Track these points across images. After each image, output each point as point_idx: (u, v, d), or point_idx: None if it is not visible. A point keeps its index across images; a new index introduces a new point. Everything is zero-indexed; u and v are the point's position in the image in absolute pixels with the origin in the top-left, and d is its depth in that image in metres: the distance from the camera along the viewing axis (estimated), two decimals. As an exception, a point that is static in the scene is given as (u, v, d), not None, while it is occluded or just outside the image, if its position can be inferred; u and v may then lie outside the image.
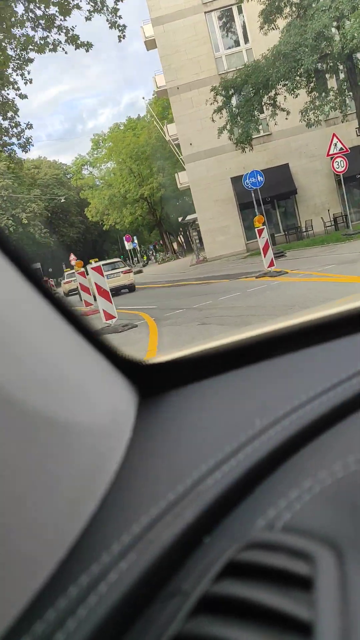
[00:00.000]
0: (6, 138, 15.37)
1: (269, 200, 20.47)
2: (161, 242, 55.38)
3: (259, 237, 10.72)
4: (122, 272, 16.20)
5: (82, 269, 9.45)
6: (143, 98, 77.26)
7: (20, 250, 0.43)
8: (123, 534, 0.37)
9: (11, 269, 0.42)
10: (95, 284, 7.16)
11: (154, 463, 0.47)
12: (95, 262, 8.18)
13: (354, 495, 0.36)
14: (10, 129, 15.16)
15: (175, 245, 51.17)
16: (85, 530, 0.38)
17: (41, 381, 0.38)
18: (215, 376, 0.63)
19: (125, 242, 43.58)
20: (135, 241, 49.01)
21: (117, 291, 15.09)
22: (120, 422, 0.51)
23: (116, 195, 46.38)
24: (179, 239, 53.22)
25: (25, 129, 15.51)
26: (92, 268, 7.46)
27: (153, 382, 0.61)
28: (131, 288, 16.56)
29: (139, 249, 57.39)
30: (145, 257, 56.06)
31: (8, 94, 14.69)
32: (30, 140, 15.83)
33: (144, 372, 0.60)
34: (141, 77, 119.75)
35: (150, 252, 59.42)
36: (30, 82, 14.13)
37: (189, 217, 32.04)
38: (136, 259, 55.07)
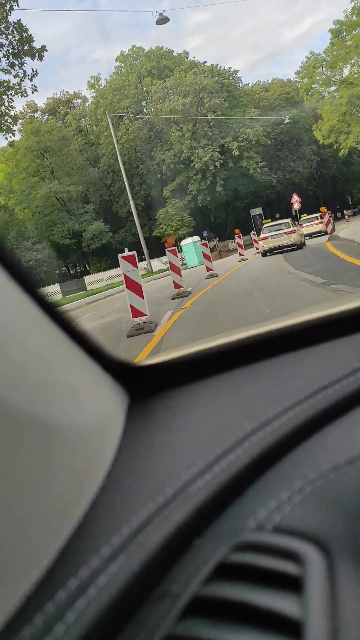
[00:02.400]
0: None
1: None
2: None
3: None
4: (284, 232, 16.67)
5: (174, 247, 9.33)
6: None
7: (9, 251, 0.43)
8: (113, 537, 0.37)
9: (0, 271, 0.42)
10: (124, 274, 5.86)
11: (144, 465, 0.46)
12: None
13: (344, 496, 0.36)
14: None
15: None
16: (75, 533, 0.38)
17: (30, 384, 0.37)
18: (205, 378, 0.64)
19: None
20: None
21: (279, 249, 16.76)
22: (110, 424, 0.51)
23: (361, 100, 30.65)
24: None
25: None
26: (121, 256, 5.94)
27: (143, 385, 0.62)
28: (297, 247, 16.71)
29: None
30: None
31: None
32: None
33: (134, 374, 0.61)
34: None
35: None
36: None
37: None
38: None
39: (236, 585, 0.31)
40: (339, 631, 0.26)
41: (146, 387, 0.62)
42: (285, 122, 44.12)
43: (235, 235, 17.98)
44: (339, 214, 61.70)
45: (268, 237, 16.77)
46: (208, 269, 13.10)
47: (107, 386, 0.55)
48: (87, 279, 32.33)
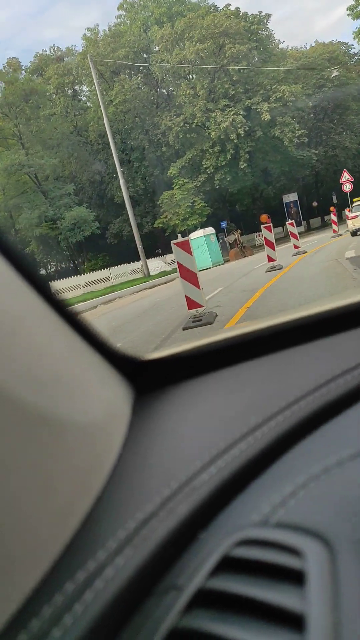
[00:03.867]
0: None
1: None
2: None
3: None
4: None
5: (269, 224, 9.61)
6: None
7: (15, 246, 0.43)
8: (118, 530, 0.37)
9: (7, 266, 0.42)
10: (178, 262, 5.59)
11: (149, 459, 0.47)
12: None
13: (348, 491, 0.36)
14: None
15: None
16: (81, 526, 0.39)
17: (37, 379, 0.38)
18: (210, 373, 0.64)
19: None
20: None
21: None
22: (116, 418, 0.52)
23: None
24: None
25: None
26: (174, 243, 5.60)
27: (148, 379, 0.62)
28: None
29: None
30: None
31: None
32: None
33: (140, 368, 0.61)
34: None
35: None
36: None
37: None
38: None
39: (240, 578, 0.32)
40: (341, 624, 0.26)
41: (152, 381, 0.62)
42: (333, 75, 33.69)
43: (331, 213, 17.64)
44: None
45: (358, 215, 16.28)
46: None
47: (113, 380, 0.56)
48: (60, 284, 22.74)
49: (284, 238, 27.57)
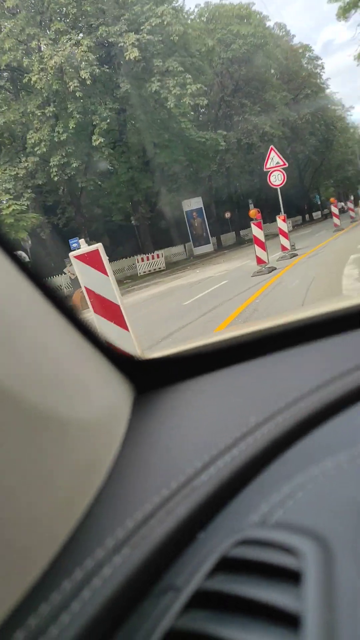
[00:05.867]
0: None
1: None
2: None
3: None
4: None
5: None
6: None
7: (18, 246, 0.44)
8: (117, 529, 0.37)
9: (8, 264, 0.42)
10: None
11: (149, 459, 0.47)
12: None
13: (345, 491, 0.37)
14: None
15: None
16: (80, 525, 0.39)
17: (37, 377, 0.38)
18: (210, 373, 0.65)
19: None
20: None
21: None
22: (116, 417, 0.52)
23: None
24: None
25: None
26: (76, 257, 3.17)
27: (149, 378, 0.63)
28: None
29: None
30: None
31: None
32: None
33: (140, 368, 0.62)
34: None
35: None
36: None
37: None
38: None
39: (238, 579, 0.32)
40: (337, 624, 0.26)
41: (152, 380, 0.63)
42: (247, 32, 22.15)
43: (332, 205, 16.76)
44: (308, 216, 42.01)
45: None
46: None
47: (113, 379, 0.56)
48: None
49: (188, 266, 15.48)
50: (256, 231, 9.53)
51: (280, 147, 29.06)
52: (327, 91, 41.32)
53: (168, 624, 0.31)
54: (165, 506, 0.39)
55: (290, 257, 10.91)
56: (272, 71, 29.16)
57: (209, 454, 0.44)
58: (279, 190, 12.33)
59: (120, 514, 0.39)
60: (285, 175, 12.44)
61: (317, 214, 46.15)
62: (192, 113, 19.95)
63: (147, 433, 0.52)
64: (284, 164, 12.25)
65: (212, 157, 22.79)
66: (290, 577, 0.30)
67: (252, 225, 9.51)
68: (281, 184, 12.44)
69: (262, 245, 9.46)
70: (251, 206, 10.42)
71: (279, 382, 0.57)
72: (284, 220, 11.46)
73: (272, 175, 12.55)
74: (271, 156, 12.44)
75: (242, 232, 28.65)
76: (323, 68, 39.70)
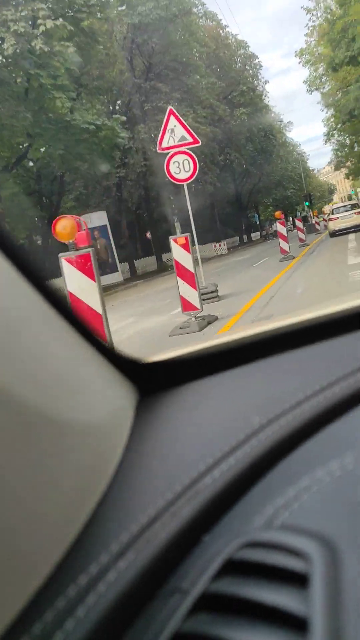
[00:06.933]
0: None
1: None
2: None
3: None
4: (354, 213, 19.08)
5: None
6: None
7: (18, 246, 0.43)
8: (121, 533, 0.37)
9: (9, 266, 0.42)
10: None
11: (153, 462, 0.47)
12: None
13: (351, 493, 0.37)
14: None
15: None
16: (84, 529, 0.39)
17: (40, 380, 0.38)
18: (214, 375, 0.65)
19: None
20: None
21: (346, 231, 18.74)
22: (119, 420, 0.52)
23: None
24: None
25: None
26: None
27: (152, 381, 0.62)
28: None
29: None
30: None
31: None
32: None
33: (143, 370, 0.62)
34: None
35: None
36: None
37: None
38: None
39: (244, 581, 0.32)
40: (344, 627, 0.26)
41: (155, 383, 0.62)
42: None
43: (278, 223, 13.27)
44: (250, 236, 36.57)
45: (338, 217, 18.92)
46: None
47: (116, 382, 0.56)
48: None
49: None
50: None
51: (210, 152, 22.92)
52: (266, 101, 36.41)
53: (174, 627, 0.31)
54: (169, 509, 0.38)
55: (198, 327, 5.97)
56: (196, 52, 22.99)
57: (213, 456, 0.43)
58: (186, 191, 7.32)
59: (124, 518, 0.39)
60: (196, 162, 7.33)
61: (256, 235, 40.94)
62: (70, 83, 13.12)
63: (150, 436, 0.51)
64: (195, 142, 7.23)
65: (108, 154, 15.95)
66: (297, 580, 0.30)
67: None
68: (189, 178, 7.36)
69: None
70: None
71: (282, 384, 0.57)
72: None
73: (172, 161, 7.27)
74: (170, 125, 7.17)
75: (164, 256, 21.87)
76: (261, 67, 34.58)
